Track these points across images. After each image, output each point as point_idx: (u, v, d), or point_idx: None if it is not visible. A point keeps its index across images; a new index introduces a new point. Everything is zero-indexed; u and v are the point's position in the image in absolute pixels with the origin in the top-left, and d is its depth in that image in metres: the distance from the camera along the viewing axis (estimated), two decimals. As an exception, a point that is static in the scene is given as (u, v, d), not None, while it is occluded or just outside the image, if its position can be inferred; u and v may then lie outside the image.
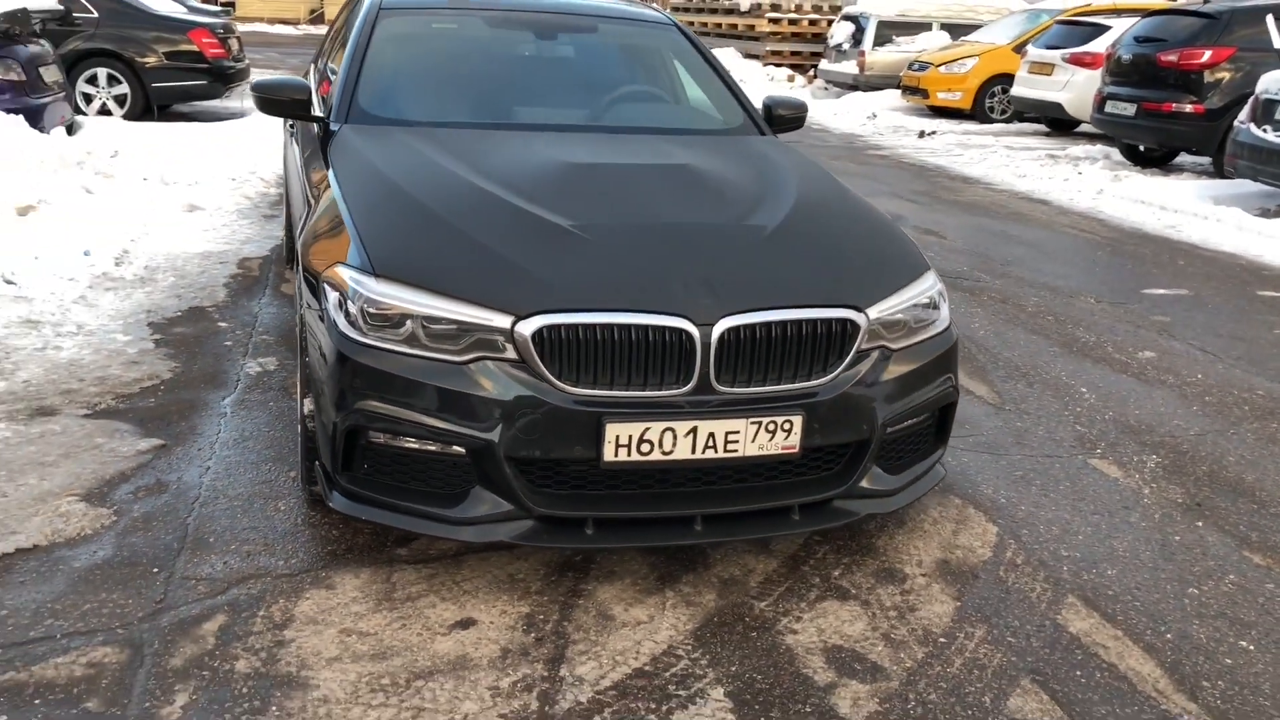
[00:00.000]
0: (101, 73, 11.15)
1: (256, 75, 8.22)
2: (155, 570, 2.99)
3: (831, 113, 16.24)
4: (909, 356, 3.16)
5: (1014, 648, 2.86)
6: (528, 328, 2.77)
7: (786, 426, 2.90)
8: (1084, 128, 14.01)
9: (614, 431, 2.78)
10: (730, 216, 3.31)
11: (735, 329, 2.86)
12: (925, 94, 15.88)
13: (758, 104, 4.58)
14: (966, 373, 4.96)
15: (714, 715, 2.53)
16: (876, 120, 15.35)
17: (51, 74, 8.50)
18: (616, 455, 2.81)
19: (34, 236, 6.08)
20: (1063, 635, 2.93)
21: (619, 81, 4.45)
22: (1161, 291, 6.69)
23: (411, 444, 2.87)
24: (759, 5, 19.62)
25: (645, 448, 2.82)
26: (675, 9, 24.22)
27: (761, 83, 19.11)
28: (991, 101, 15.79)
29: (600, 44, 4.64)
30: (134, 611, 2.79)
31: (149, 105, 11.33)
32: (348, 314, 2.90)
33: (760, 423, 2.88)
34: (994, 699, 2.65)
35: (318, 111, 4.11)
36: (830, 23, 19.10)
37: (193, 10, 12.75)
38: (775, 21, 19.55)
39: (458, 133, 3.82)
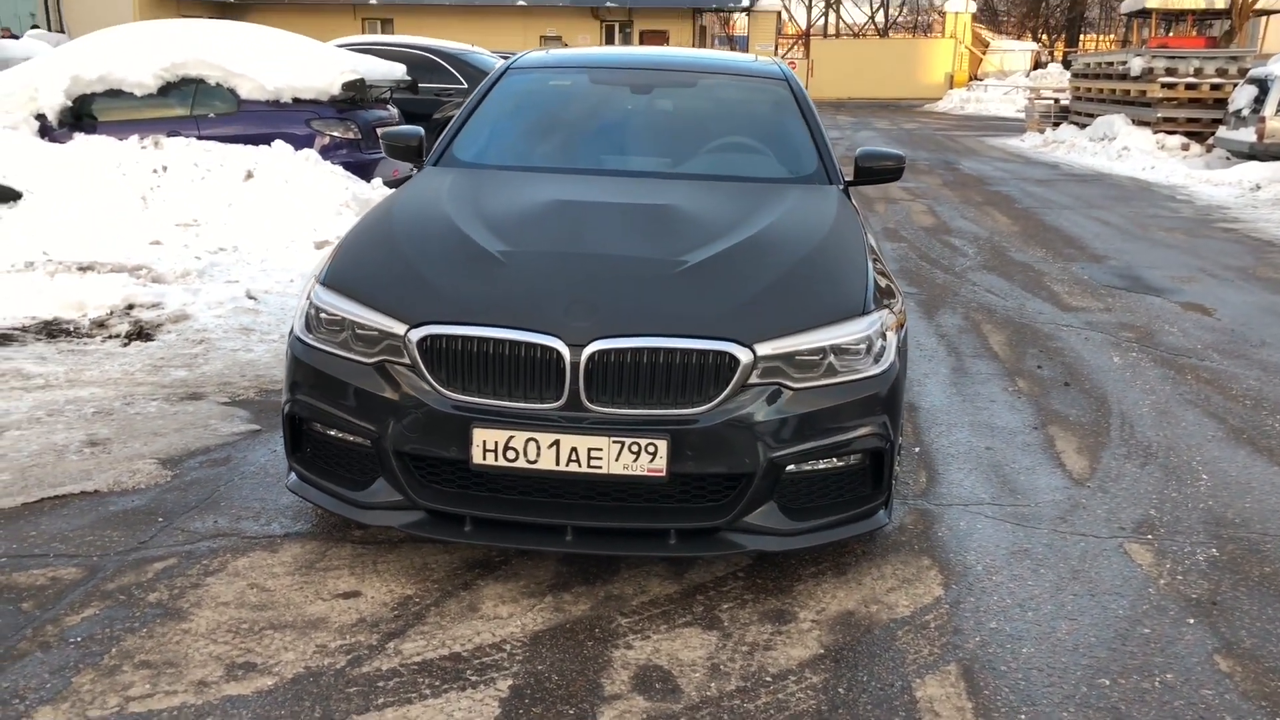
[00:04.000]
0: (465, 135, 12.71)
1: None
2: (160, 520, 3.63)
3: (1211, 183, 14.82)
4: (815, 397, 3.14)
5: (834, 699, 2.77)
6: (416, 335, 3.12)
7: (651, 449, 3.02)
8: None
9: (481, 436, 3.05)
10: (664, 252, 3.44)
11: (605, 352, 3.03)
12: (1329, 164, 14.08)
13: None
14: (1075, 447, 4.60)
15: (480, 700, 2.72)
16: (1258, 192, 13.82)
17: (389, 134, 9.91)
18: (484, 459, 3.06)
19: (310, 265, 7.22)
20: (902, 698, 2.79)
21: (695, 133, 4.63)
22: None
23: (334, 433, 3.30)
24: (1150, 70, 18.30)
25: (511, 455, 3.05)
26: (1076, 74, 23.13)
27: (1149, 151, 17.82)
28: None
29: (695, 98, 4.87)
30: (117, 546, 3.43)
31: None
32: (305, 317, 3.40)
33: (623, 443, 3.02)
34: (762, 738, 2.61)
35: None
36: (1235, 86, 17.40)
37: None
38: (1169, 86, 18.12)
39: (503, 174, 4.23)
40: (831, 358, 3.18)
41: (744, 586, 3.33)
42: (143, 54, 9.19)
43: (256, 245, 7.72)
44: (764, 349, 3.10)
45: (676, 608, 3.19)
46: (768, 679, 2.85)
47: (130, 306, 5.91)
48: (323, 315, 3.33)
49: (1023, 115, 27.97)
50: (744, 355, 3.07)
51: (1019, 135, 23.56)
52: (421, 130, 4.65)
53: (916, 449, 4.50)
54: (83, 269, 6.57)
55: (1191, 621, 3.21)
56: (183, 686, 2.73)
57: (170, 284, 6.49)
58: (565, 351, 3.03)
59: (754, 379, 3.09)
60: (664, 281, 3.29)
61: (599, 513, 3.14)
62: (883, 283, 3.59)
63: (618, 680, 2.82)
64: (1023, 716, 2.72)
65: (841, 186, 4.37)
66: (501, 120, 4.71)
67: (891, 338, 3.36)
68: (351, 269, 3.45)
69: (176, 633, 2.96)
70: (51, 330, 5.63)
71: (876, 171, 4.54)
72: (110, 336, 5.58)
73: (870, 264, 3.59)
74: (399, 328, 3.15)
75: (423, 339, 3.11)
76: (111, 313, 5.83)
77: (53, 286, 6.04)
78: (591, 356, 3.03)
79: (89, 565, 3.31)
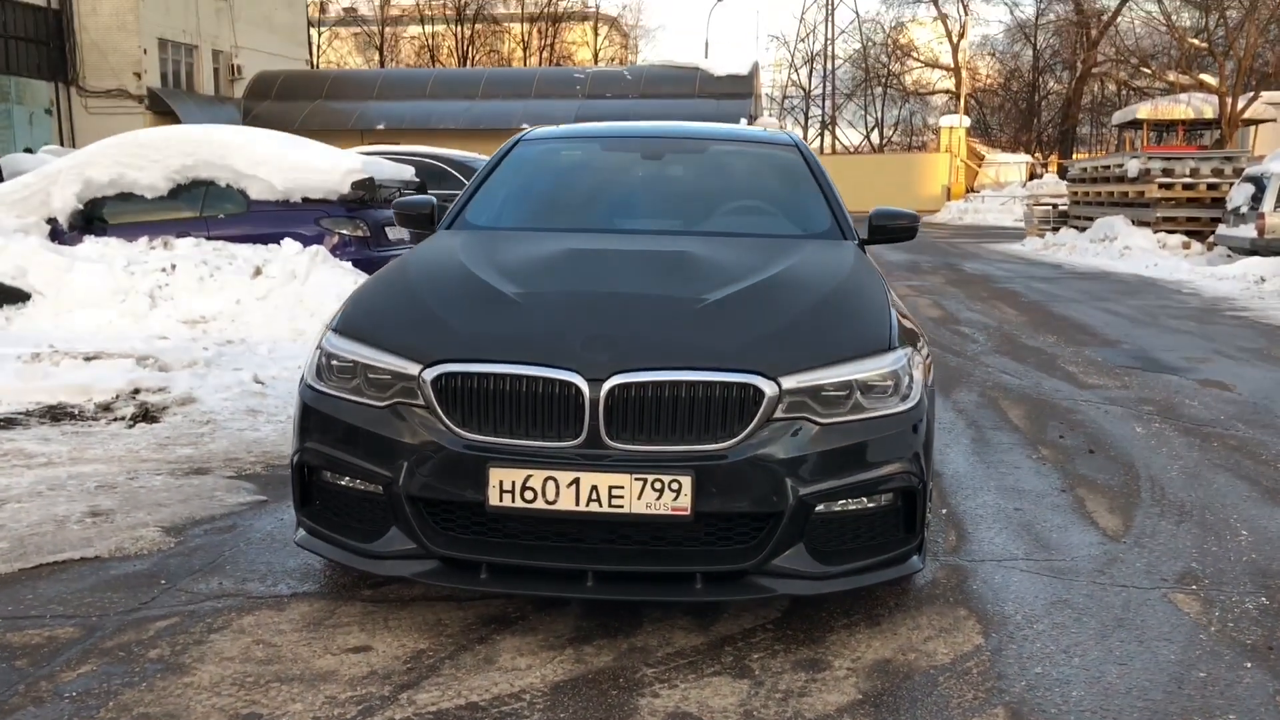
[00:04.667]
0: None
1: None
2: (163, 582, 3.49)
3: (1215, 277, 14.85)
4: (843, 433, 3.04)
5: (878, 742, 2.60)
6: (430, 375, 3.03)
7: (675, 486, 2.90)
8: None
9: (497, 476, 2.94)
10: (683, 291, 3.37)
11: (626, 386, 2.94)
12: (1330, 257, 14.13)
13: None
14: (1107, 507, 4.46)
15: (501, 747, 2.55)
16: (1263, 285, 13.83)
17: (397, 233, 9.97)
18: (501, 500, 2.94)
19: (318, 355, 7.16)
20: (949, 739, 2.61)
21: (707, 196, 4.60)
22: None
23: (346, 482, 3.19)
24: (1148, 171, 18.55)
25: (529, 495, 2.93)
26: (1072, 180, 23.47)
27: (1150, 250, 17.93)
28: None
29: (706, 163, 4.86)
30: (117, 607, 3.29)
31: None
32: (316, 365, 3.32)
33: (646, 480, 2.90)
34: (802, 780, 2.43)
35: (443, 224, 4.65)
36: (1232, 185, 17.60)
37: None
38: (1167, 187, 18.33)
39: (517, 234, 4.19)
40: (858, 394, 3.09)
41: (773, 637, 3.17)
42: (154, 158, 9.30)
43: (264, 338, 7.69)
44: (789, 382, 3.00)
45: (704, 658, 3.03)
46: (805, 724, 2.68)
47: (136, 391, 5.83)
48: (334, 362, 3.25)
49: (1021, 224, 28.29)
50: (769, 388, 2.97)
51: (1019, 241, 23.77)
52: (434, 199, 4.64)
53: (944, 510, 4.36)
54: (88, 359, 6.50)
55: (1249, 665, 3.04)
56: (183, 737, 2.56)
57: (177, 371, 6.42)
58: (584, 387, 2.94)
59: (779, 414, 2.99)
60: (684, 317, 3.22)
61: (621, 557, 3.01)
62: (907, 324, 3.51)
63: (645, 727, 2.65)
64: (1080, 757, 2.55)
65: (857, 243, 4.32)
66: (513, 187, 4.69)
67: (918, 376, 3.27)
68: (364, 315, 3.39)
69: (178, 686, 2.81)
70: (55, 414, 5.54)
71: (890, 230, 4.50)
72: (115, 419, 5.49)
73: (892, 307, 3.51)
74: (413, 368, 3.07)
75: (437, 378, 3.02)
76: (117, 396, 5.75)
77: (58, 372, 5.97)
78: (611, 391, 2.93)
79: (87, 625, 3.16)
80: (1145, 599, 3.50)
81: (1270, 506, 4.52)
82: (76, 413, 5.57)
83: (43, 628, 3.14)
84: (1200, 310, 11.66)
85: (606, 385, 2.94)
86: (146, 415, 5.51)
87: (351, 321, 3.35)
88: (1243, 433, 5.84)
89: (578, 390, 2.94)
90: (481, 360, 3.02)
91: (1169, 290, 13.80)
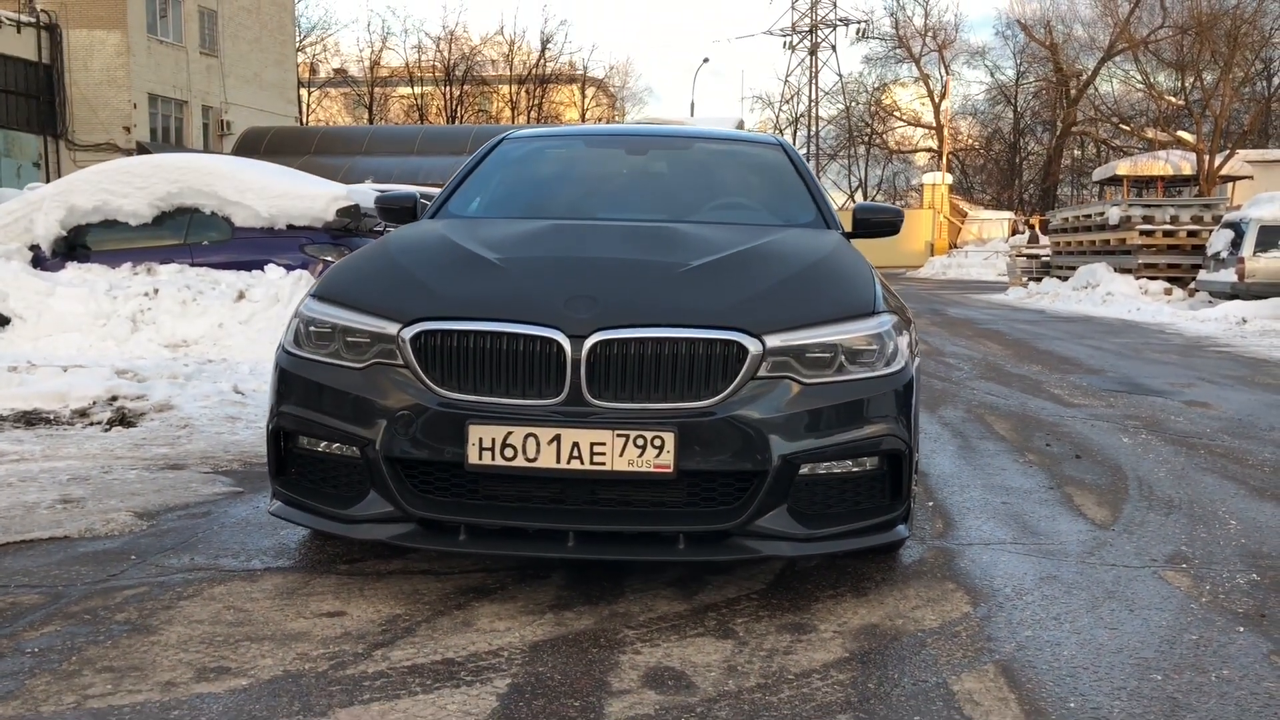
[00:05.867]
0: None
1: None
2: (133, 558, 3.40)
3: (1197, 319, 14.94)
4: (827, 394, 2.99)
5: (865, 693, 2.53)
6: (409, 333, 2.98)
7: (657, 443, 2.85)
8: None
9: (477, 434, 2.88)
10: (666, 258, 3.34)
11: (608, 342, 2.90)
12: (1310, 299, 14.23)
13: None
14: (1095, 501, 4.41)
15: (476, 696, 2.47)
16: (1245, 325, 13.92)
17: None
18: (480, 459, 2.88)
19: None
20: (938, 690, 2.55)
21: (691, 190, 4.59)
22: None
23: (323, 447, 3.13)
24: (1129, 218, 18.72)
25: (509, 452, 2.87)
26: (1053, 230, 23.69)
27: (1133, 295, 18.05)
28: (1396, 306, 13.82)
29: (690, 160, 4.86)
30: (84, 578, 3.20)
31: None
32: (294, 332, 3.27)
33: (628, 436, 2.85)
34: (787, 723, 2.36)
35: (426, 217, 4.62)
36: (1212, 233, 17.78)
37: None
38: (1148, 234, 18.50)
39: (500, 220, 4.17)
40: (842, 357, 3.05)
41: (758, 605, 3.10)
42: (139, 185, 9.30)
43: (246, 358, 7.63)
44: (773, 341, 2.97)
45: (687, 622, 2.96)
46: (790, 677, 2.61)
47: (113, 398, 5.75)
48: (312, 328, 3.21)
49: (1005, 278, 28.53)
50: (753, 346, 2.94)
51: (1002, 292, 23.94)
52: (417, 193, 4.62)
53: (930, 503, 4.32)
54: (66, 369, 6.43)
55: (1241, 630, 2.99)
56: (148, 686, 2.48)
57: (155, 381, 6.34)
58: (566, 344, 2.90)
59: (763, 372, 2.95)
60: (668, 279, 3.19)
61: (603, 517, 2.95)
62: (893, 303, 3.49)
63: (626, 679, 2.58)
64: (1072, 704, 2.48)
65: (841, 233, 4.30)
66: (497, 182, 4.67)
67: (904, 342, 3.24)
68: (342, 281, 3.35)
69: (144, 644, 2.72)
70: (30, 419, 5.46)
71: (874, 224, 4.48)
72: (91, 423, 5.41)
73: (876, 279, 3.49)
74: (391, 328, 3.02)
75: (416, 336, 2.98)
76: (94, 403, 5.67)
77: (33, 380, 5.90)
78: (593, 348, 2.89)
79: (53, 593, 3.08)
80: (1136, 575, 3.44)
81: (1258, 501, 4.48)
82: (52, 418, 5.48)
83: (6, 595, 3.05)
84: (1183, 346, 11.70)
85: (588, 343, 2.90)
86: (123, 420, 5.44)
87: (330, 286, 3.31)
88: (1228, 443, 5.81)
89: (559, 347, 2.90)
90: (461, 318, 2.98)
91: (1152, 330, 13.86)
